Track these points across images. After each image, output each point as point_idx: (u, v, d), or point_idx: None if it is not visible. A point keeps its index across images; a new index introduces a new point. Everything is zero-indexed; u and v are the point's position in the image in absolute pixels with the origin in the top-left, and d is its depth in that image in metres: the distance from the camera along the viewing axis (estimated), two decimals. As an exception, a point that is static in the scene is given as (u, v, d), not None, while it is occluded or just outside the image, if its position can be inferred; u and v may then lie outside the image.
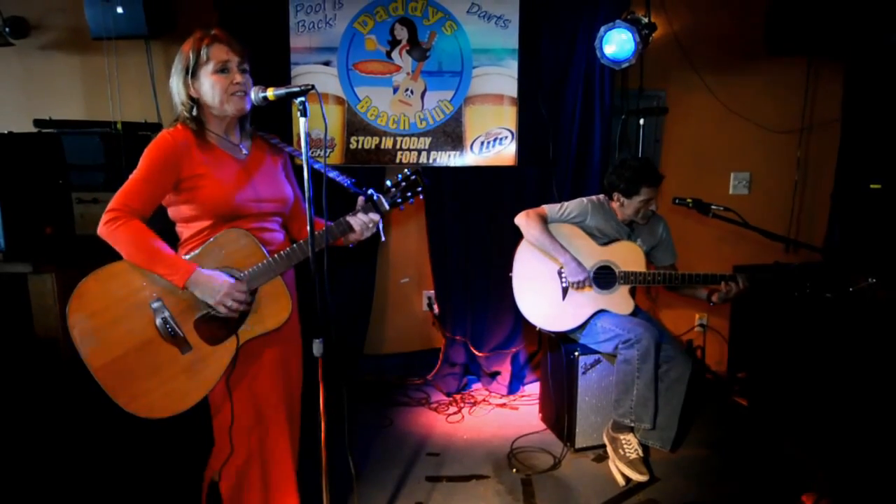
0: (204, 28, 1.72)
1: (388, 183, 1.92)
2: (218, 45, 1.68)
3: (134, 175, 1.66)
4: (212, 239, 1.71)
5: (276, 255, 1.75)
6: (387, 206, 1.90)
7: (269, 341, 1.82)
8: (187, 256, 1.71)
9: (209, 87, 1.69)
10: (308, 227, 1.67)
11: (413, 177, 1.91)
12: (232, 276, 1.70)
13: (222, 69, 1.68)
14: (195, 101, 1.72)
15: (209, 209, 1.70)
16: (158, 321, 1.65)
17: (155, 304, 1.65)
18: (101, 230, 1.62)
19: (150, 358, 1.64)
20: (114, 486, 2.39)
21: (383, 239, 1.97)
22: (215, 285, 1.64)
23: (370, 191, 1.90)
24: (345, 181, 1.90)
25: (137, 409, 1.63)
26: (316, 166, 1.84)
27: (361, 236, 1.89)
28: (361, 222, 1.86)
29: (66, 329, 1.59)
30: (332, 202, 1.70)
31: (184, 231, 1.77)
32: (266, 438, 1.89)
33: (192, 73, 1.69)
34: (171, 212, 1.77)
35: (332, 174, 1.89)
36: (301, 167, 1.68)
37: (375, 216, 1.88)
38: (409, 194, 1.92)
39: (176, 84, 1.72)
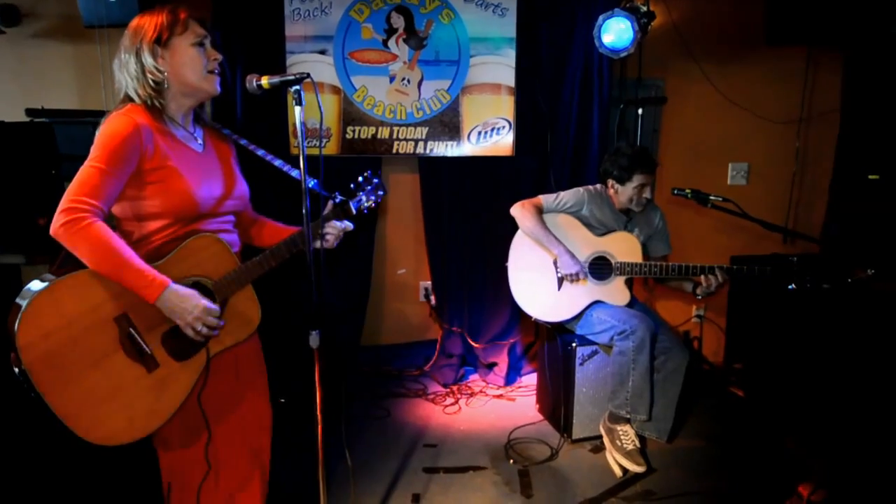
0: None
1: (352, 186, 1.88)
2: (192, 20, 1.56)
3: (93, 165, 1.44)
4: (180, 246, 1.54)
5: (249, 262, 1.64)
6: (354, 211, 1.86)
7: (235, 352, 1.70)
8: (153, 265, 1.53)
9: (188, 59, 1.53)
10: (304, 219, 1.60)
11: (375, 179, 1.91)
12: (205, 285, 1.58)
13: (200, 43, 1.56)
14: (163, 75, 1.53)
15: (173, 207, 1.53)
16: (123, 338, 1.47)
17: (119, 319, 1.47)
18: (59, 231, 1.41)
19: (113, 379, 1.46)
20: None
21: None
22: (188, 306, 1.47)
23: (338, 196, 1.83)
24: (298, 175, 1.73)
25: (96, 438, 1.43)
26: (284, 168, 1.74)
27: (332, 246, 1.79)
28: (337, 230, 1.78)
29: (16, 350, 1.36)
30: (282, 199, 1.60)
31: (134, 231, 1.55)
32: (233, 459, 1.74)
33: (164, 42, 1.51)
34: (124, 207, 1.54)
35: (294, 173, 1.75)
36: (255, 158, 1.62)
37: (350, 225, 1.82)
38: (372, 198, 1.90)
39: (137, 56, 1.50)
